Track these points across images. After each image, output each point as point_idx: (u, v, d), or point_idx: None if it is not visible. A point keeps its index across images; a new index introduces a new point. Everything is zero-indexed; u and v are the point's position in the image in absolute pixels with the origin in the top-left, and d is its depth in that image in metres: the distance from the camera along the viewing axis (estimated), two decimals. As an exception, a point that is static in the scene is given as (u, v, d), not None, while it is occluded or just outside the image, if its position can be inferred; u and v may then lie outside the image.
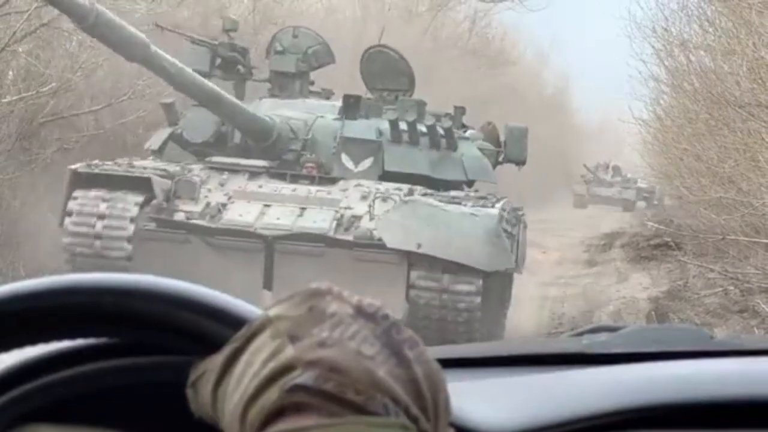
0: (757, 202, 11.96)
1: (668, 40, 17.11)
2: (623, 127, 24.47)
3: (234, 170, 11.38)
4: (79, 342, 1.00)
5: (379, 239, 10.27)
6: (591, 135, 61.33)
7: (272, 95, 12.92)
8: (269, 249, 10.46)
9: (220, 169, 11.40)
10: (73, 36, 14.60)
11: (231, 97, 11.30)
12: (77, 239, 10.53)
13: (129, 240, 10.49)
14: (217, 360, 0.85)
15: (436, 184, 11.62)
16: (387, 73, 13.28)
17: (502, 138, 13.38)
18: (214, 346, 0.88)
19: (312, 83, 13.40)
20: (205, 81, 10.95)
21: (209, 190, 11.05)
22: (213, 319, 0.94)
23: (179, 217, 10.71)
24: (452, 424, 0.85)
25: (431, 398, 0.80)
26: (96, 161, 11.27)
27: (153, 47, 10.04)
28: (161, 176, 10.97)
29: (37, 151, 14.54)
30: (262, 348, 0.81)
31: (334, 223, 10.61)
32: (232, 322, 0.91)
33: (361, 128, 11.94)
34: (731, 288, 13.45)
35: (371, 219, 10.55)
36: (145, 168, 11.18)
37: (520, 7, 32.98)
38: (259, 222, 10.64)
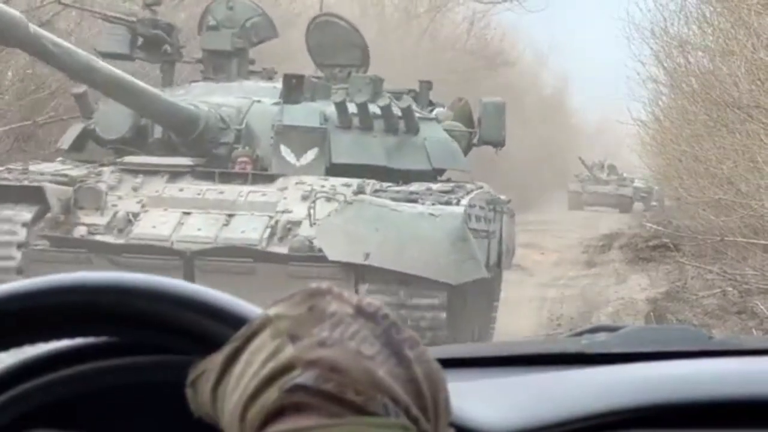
0: (756, 204, 11.96)
1: (667, 41, 17.12)
2: (622, 128, 24.50)
3: (151, 171, 9.72)
4: (79, 341, 1.01)
5: (320, 250, 8.73)
6: (589, 136, 61.37)
7: (206, 78, 11.19)
8: (188, 267, 8.92)
9: (135, 170, 9.71)
10: (72, 36, 14.58)
11: (141, 84, 9.54)
12: None
13: (19, 271, 8.86)
14: (216, 359, 0.85)
15: (395, 176, 9.97)
16: (337, 47, 11.43)
17: (476, 116, 11.48)
18: (213, 346, 0.88)
19: (252, 62, 11.63)
20: (106, 65, 9.22)
21: (119, 198, 9.40)
22: (213, 318, 0.94)
23: (79, 232, 9.10)
24: (452, 424, 0.85)
25: (431, 398, 0.80)
26: None
27: (32, 27, 8.41)
28: (61, 183, 9.36)
29: (34, 152, 14.53)
30: (262, 347, 0.81)
31: (267, 231, 9.03)
32: (232, 321, 0.92)
33: (303, 113, 10.17)
34: (729, 289, 13.45)
35: (311, 225, 8.94)
36: (42, 174, 9.49)
37: (518, 8, 32.99)
38: (177, 234, 9.04)
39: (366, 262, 8.60)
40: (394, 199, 9.04)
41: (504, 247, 11.07)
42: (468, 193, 9.58)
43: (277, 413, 0.78)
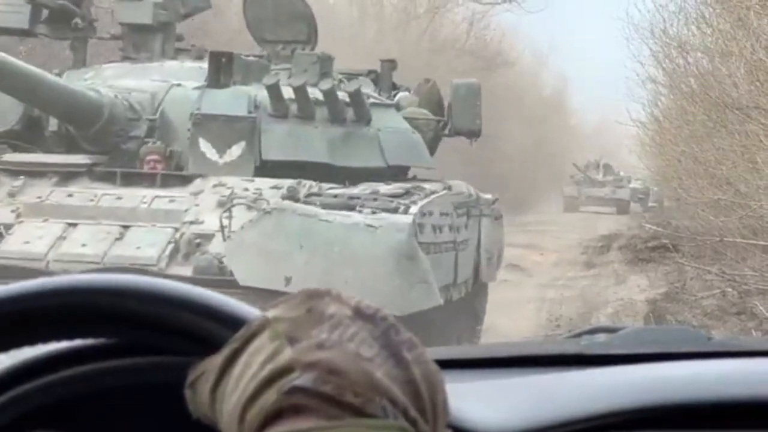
0: (755, 204, 11.96)
1: (666, 41, 17.12)
2: (621, 129, 24.51)
3: (36, 172, 8.04)
4: (78, 342, 1.01)
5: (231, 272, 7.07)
6: (589, 137, 61.39)
7: (125, 57, 9.47)
8: None
9: (14, 171, 8.05)
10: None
11: (24, 65, 7.83)
12: None
13: None
14: (215, 361, 0.85)
15: (340, 176, 8.30)
16: (279, 20, 9.60)
17: (447, 102, 9.83)
18: (213, 347, 0.88)
19: (181, 39, 9.89)
20: None
21: None
22: (212, 319, 0.94)
23: None
24: (450, 426, 0.85)
25: (430, 400, 0.80)
26: None
27: None
28: None
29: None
30: (260, 349, 0.81)
31: (169, 248, 7.33)
32: (231, 323, 0.92)
33: (227, 99, 8.44)
34: (729, 290, 13.45)
35: (225, 239, 7.22)
36: None
37: (518, 9, 32.98)
38: (55, 252, 7.32)
39: (286, 289, 6.65)
40: (326, 206, 7.38)
41: (483, 257, 9.70)
42: (426, 196, 8.01)
43: (275, 415, 0.78)
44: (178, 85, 8.70)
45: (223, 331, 0.91)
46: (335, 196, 7.74)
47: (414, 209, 7.54)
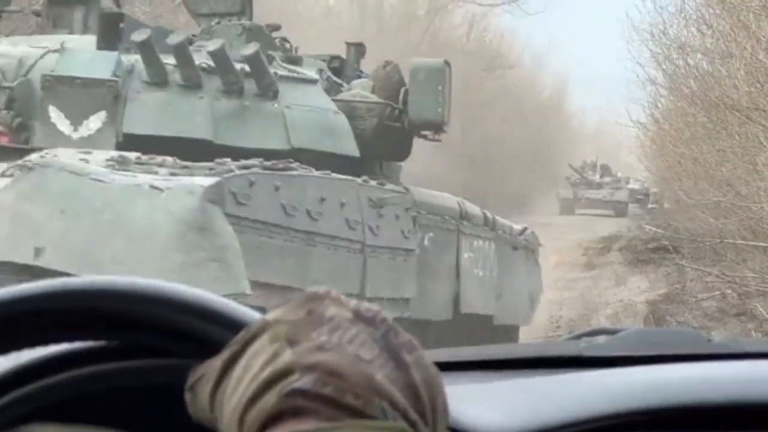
0: (755, 206, 11.96)
1: (666, 43, 17.12)
2: (621, 131, 24.51)
3: None
4: (78, 345, 1.01)
5: None
6: (588, 138, 61.42)
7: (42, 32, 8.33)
8: None
9: None
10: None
11: None
12: None
13: None
14: (215, 363, 0.85)
15: (226, 156, 6.74)
16: None
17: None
18: (212, 350, 0.88)
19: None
20: None
21: None
22: (212, 322, 0.94)
23: None
24: (450, 428, 0.85)
25: (429, 402, 0.80)
26: None
27: None
28: None
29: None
30: (260, 352, 0.81)
31: None
32: (231, 325, 0.92)
33: (88, 60, 7.23)
34: (729, 291, 13.46)
35: None
36: None
37: (517, 11, 33.02)
38: None
39: (36, 262, 5.56)
40: (117, 167, 6.07)
41: (473, 289, 8.61)
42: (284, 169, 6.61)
43: (275, 417, 0.78)
44: (56, 51, 7.36)
45: (222, 333, 0.91)
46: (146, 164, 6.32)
47: (228, 175, 6.11)
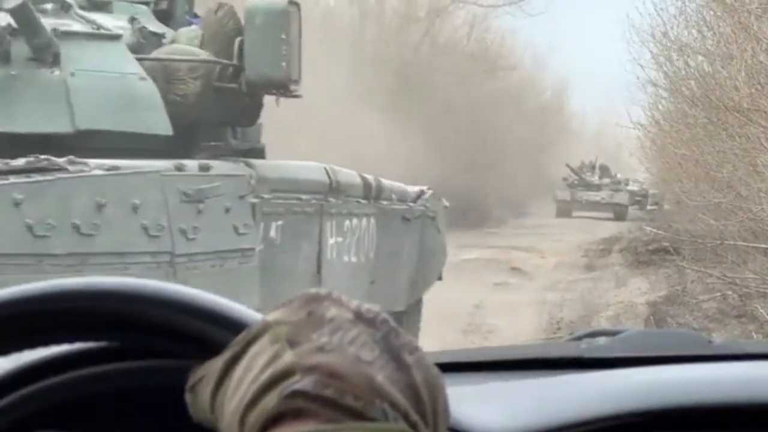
0: (756, 207, 11.96)
1: (666, 44, 17.12)
2: (621, 132, 24.50)
3: None
4: (79, 346, 1.01)
5: None
6: (589, 139, 61.41)
7: None
8: None
9: None
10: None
11: None
12: None
13: None
14: (216, 364, 0.85)
15: None
16: None
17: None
18: (213, 350, 0.88)
19: None
20: None
21: None
22: (212, 323, 0.94)
23: None
24: (451, 429, 0.85)
25: (430, 403, 0.80)
26: None
27: None
28: None
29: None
30: (261, 353, 0.81)
31: None
32: (232, 326, 0.92)
33: None
34: (729, 293, 13.46)
35: None
36: None
37: (518, 12, 33.03)
38: None
39: None
40: None
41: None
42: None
43: (276, 419, 0.78)
44: None
45: (223, 334, 0.91)
46: None
47: None
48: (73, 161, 5.17)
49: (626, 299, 15.24)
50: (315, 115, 21.19)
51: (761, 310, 11.83)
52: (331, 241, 7.00)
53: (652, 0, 16.79)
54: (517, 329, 12.30)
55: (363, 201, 7.42)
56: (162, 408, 1.01)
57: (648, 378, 1.32)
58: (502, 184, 33.96)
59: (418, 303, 8.65)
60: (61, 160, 5.09)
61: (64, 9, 6.13)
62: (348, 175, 7.35)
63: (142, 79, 6.13)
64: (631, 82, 19.80)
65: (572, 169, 38.86)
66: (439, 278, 8.84)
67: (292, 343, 0.80)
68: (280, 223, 6.40)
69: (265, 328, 0.83)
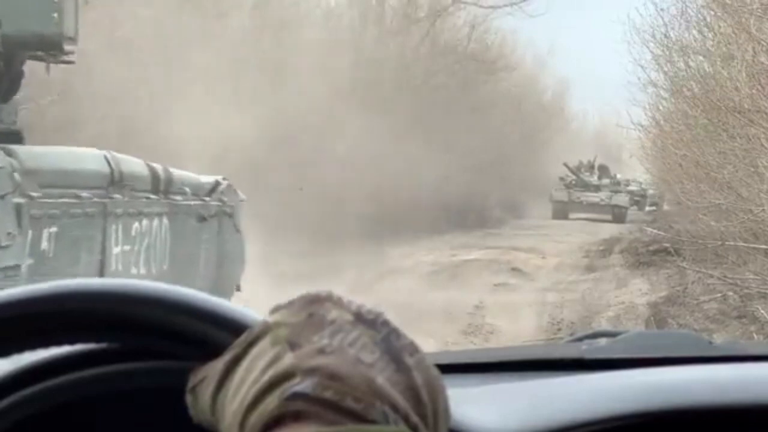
0: (756, 208, 11.96)
1: (667, 45, 17.13)
2: (622, 133, 24.49)
3: None
4: (79, 347, 1.01)
5: None
6: (589, 140, 61.40)
7: None
8: None
9: None
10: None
11: None
12: None
13: None
14: (216, 366, 0.85)
15: None
16: None
17: None
18: (214, 352, 0.88)
19: None
20: None
21: None
22: (213, 324, 0.94)
23: None
24: (451, 431, 0.85)
25: (431, 405, 0.80)
26: None
27: None
28: None
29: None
30: (261, 355, 0.81)
31: None
32: (233, 328, 0.92)
33: None
34: (730, 293, 13.45)
35: None
36: None
37: (519, 13, 33.02)
38: None
39: None
40: None
41: None
42: None
43: (276, 421, 0.78)
44: None
45: (224, 336, 0.91)
46: None
47: None
48: None
49: (627, 300, 15.22)
50: (315, 114, 21.19)
51: (762, 311, 11.83)
52: (117, 249, 5.85)
53: (653, 1, 16.80)
54: (517, 330, 12.29)
55: (153, 196, 6.32)
56: (163, 409, 1.01)
57: (649, 379, 1.32)
58: (502, 185, 33.94)
59: None
60: None
61: None
62: (132, 163, 6.16)
63: None
64: (631, 83, 19.82)
65: (570, 169, 37.27)
66: (238, 289, 7.73)
67: (293, 345, 0.80)
68: (53, 229, 5.15)
69: (265, 330, 0.83)
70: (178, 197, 6.63)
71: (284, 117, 19.78)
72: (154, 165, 6.49)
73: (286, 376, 0.79)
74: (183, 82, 17.29)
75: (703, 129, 14.41)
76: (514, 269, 18.92)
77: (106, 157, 5.88)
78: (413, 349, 0.82)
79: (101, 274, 5.54)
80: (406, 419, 0.78)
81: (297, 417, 0.77)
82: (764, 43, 11.51)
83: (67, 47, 5.18)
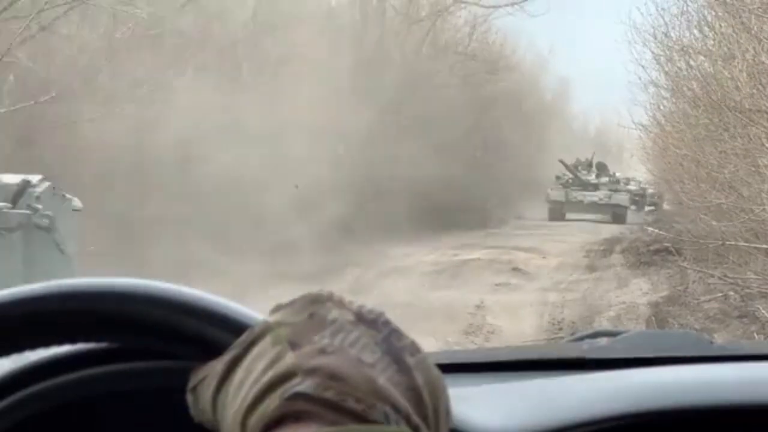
0: (757, 208, 11.95)
1: (668, 45, 17.11)
2: (623, 133, 24.50)
3: None
4: (80, 347, 1.01)
5: None
6: (590, 140, 61.39)
7: None
8: None
9: None
10: (74, 40, 14.57)
11: None
12: None
13: None
14: (217, 366, 0.85)
15: None
16: None
17: None
18: (214, 352, 0.88)
19: None
20: None
21: None
22: (214, 324, 0.94)
23: None
24: (453, 430, 0.85)
25: (432, 405, 0.80)
26: None
27: None
28: None
29: (37, 156, 14.52)
30: (262, 355, 0.81)
31: None
32: (233, 327, 0.91)
33: None
34: (731, 293, 13.45)
35: None
36: None
37: (520, 12, 33.01)
38: None
39: None
40: None
41: None
42: None
43: (277, 421, 0.77)
44: None
45: (224, 335, 0.91)
46: None
47: None
48: None
49: (628, 300, 15.21)
50: (316, 113, 21.18)
51: (763, 311, 11.82)
52: None
53: (654, 0, 16.80)
54: (518, 330, 12.28)
55: None
56: (163, 409, 1.01)
57: (649, 379, 1.32)
58: (503, 185, 33.92)
59: None
60: None
61: None
62: None
63: None
64: (632, 83, 19.80)
65: (566, 166, 35.44)
66: None
67: (294, 345, 0.80)
68: None
69: (266, 330, 0.83)
70: None
71: (284, 117, 19.78)
72: None
73: (286, 376, 0.78)
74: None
75: (703, 128, 14.41)
76: (515, 269, 18.91)
77: None
78: (414, 349, 0.82)
79: None
80: (408, 420, 0.78)
81: (298, 417, 0.77)
82: (765, 43, 11.51)
83: None
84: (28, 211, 5.60)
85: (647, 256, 20.42)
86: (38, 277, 6.44)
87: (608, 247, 24.10)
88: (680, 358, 1.44)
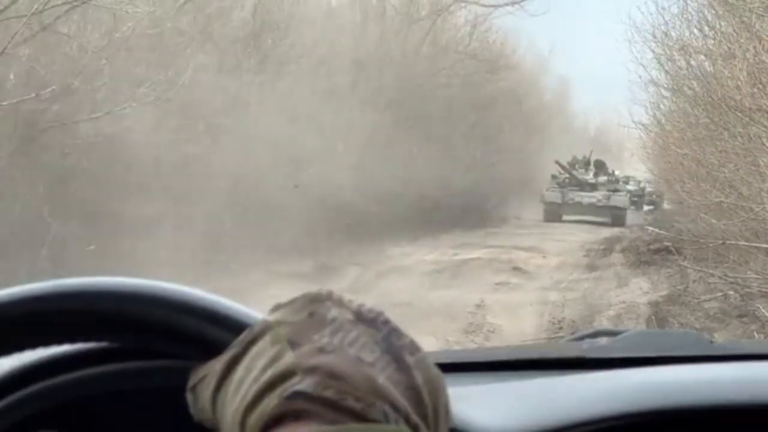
0: (758, 207, 11.95)
1: (668, 44, 17.12)
2: (623, 132, 24.50)
3: None
4: (80, 346, 1.00)
5: None
6: (591, 139, 61.39)
7: None
8: None
9: None
10: (74, 40, 14.57)
11: None
12: None
13: None
14: (217, 365, 0.85)
15: None
16: None
17: None
18: (214, 351, 0.88)
19: None
20: None
21: None
22: (213, 323, 0.94)
23: None
24: (452, 429, 0.84)
25: (431, 405, 0.80)
26: None
27: None
28: None
29: (37, 155, 14.51)
30: (261, 353, 0.81)
31: None
32: (233, 326, 0.91)
33: None
34: (731, 293, 13.44)
35: None
36: None
37: (520, 12, 33.01)
38: None
39: None
40: None
41: None
42: None
43: (276, 420, 0.77)
44: None
45: (224, 335, 0.91)
46: None
47: None
48: None
49: (628, 299, 15.21)
50: (316, 112, 21.19)
51: (763, 310, 11.82)
52: None
53: (654, 0, 16.80)
54: (518, 329, 12.28)
55: None
56: (163, 409, 1.01)
57: (649, 378, 1.32)
58: (503, 184, 33.91)
59: None
60: None
61: None
62: None
63: None
64: (632, 82, 19.81)
65: (562, 166, 33.71)
66: None
67: (293, 344, 0.80)
68: None
69: (266, 329, 0.83)
70: None
71: (284, 117, 19.78)
72: None
73: (286, 375, 0.78)
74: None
75: (704, 128, 14.41)
76: (515, 268, 18.91)
77: None
78: (414, 348, 0.82)
79: None
80: (407, 419, 0.78)
81: (297, 416, 0.77)
82: (765, 42, 11.50)
83: None
84: None
85: (647, 256, 20.42)
86: None
87: (608, 246, 24.10)
88: (680, 358, 1.44)
